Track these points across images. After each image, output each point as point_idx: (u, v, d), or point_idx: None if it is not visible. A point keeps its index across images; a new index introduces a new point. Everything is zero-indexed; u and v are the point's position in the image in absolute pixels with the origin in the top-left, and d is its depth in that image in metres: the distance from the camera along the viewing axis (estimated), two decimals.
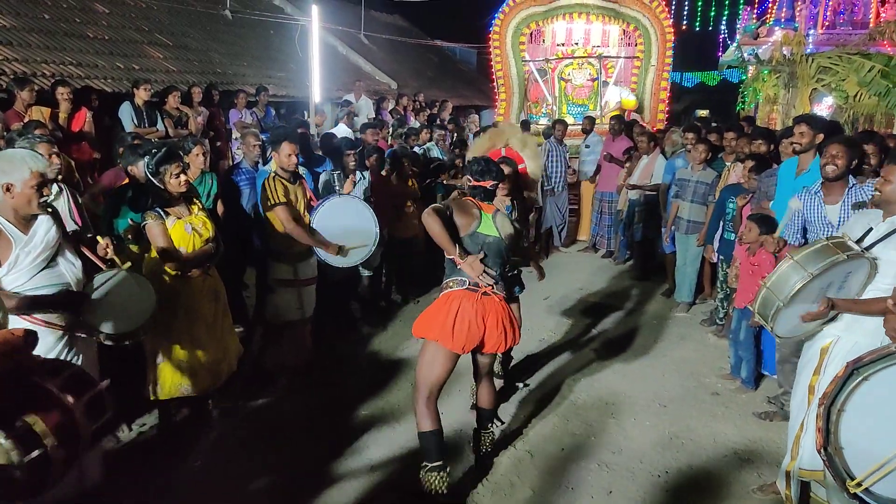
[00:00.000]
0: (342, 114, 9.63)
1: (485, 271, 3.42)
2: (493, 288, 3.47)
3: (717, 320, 6.05)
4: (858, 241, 3.05)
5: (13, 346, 1.93)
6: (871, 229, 3.07)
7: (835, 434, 2.59)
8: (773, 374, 4.87)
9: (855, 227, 3.19)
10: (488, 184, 3.60)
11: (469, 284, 3.44)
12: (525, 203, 4.65)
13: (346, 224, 4.82)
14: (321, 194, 5.39)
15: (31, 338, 2.00)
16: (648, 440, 4.25)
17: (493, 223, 3.53)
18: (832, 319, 3.15)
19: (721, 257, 5.83)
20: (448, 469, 3.48)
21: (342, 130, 8.83)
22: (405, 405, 4.49)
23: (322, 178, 5.75)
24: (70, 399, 1.96)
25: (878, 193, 3.05)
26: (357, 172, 5.78)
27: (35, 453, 1.73)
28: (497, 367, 4.94)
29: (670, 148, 8.11)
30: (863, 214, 3.27)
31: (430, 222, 3.36)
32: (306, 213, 4.75)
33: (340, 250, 4.75)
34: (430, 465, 3.41)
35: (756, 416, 4.54)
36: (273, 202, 4.52)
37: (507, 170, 4.26)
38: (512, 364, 5.11)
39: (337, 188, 5.56)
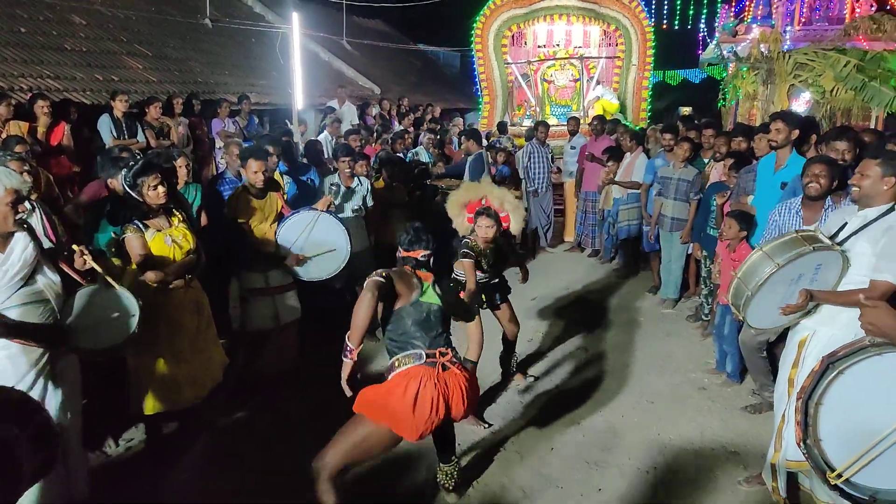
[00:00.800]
0: (330, 121, 9.60)
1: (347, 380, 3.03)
2: (449, 358, 3.16)
3: (703, 316, 6.09)
4: (833, 236, 3.10)
5: None
6: (846, 224, 3.13)
7: (813, 427, 2.63)
8: None
9: (832, 224, 3.25)
10: (418, 254, 3.36)
11: (426, 359, 3.08)
12: (505, 249, 4.73)
13: (315, 239, 4.75)
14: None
15: None
16: (636, 437, 4.28)
17: (434, 291, 3.28)
18: (809, 312, 3.20)
19: (704, 253, 5.89)
20: None
21: (325, 138, 8.83)
22: None
23: (327, 181, 5.71)
24: (14, 431, 1.87)
25: (856, 189, 3.08)
26: (356, 179, 5.75)
27: None
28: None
29: (655, 146, 8.16)
30: (840, 212, 3.33)
31: (360, 306, 2.94)
32: (274, 224, 4.73)
33: (300, 262, 4.72)
34: None
35: (742, 410, 4.58)
36: (230, 216, 4.59)
37: (488, 222, 4.32)
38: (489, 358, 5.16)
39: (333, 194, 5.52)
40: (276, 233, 4.70)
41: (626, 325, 6.36)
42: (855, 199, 3.12)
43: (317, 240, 4.76)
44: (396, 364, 3.13)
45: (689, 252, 6.57)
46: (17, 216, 2.80)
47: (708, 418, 4.52)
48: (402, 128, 11.02)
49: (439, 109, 14.18)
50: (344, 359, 3.03)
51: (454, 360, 3.18)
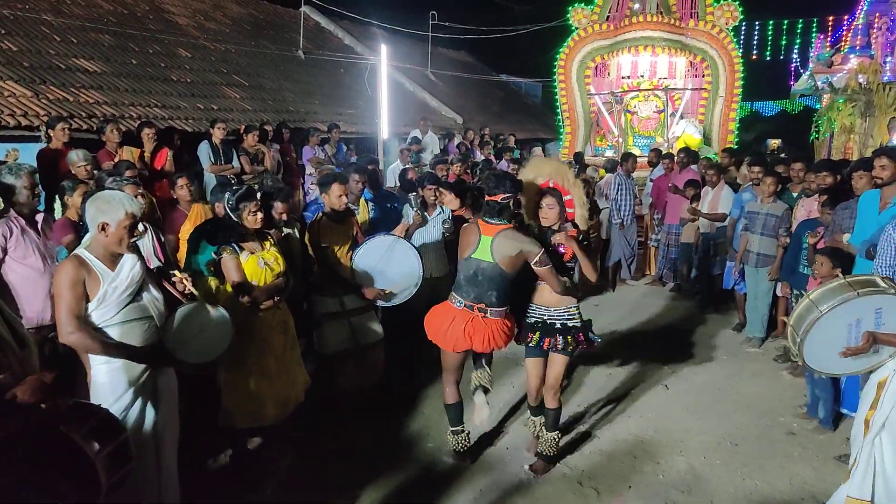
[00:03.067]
0: (412, 153, 9.79)
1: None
2: (484, 315, 3.81)
3: (792, 357, 5.80)
4: None
5: (42, 393, 1.94)
6: None
7: None
8: (853, 412, 4.62)
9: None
10: (499, 197, 3.71)
11: (464, 305, 3.84)
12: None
13: (390, 264, 4.86)
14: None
15: (58, 383, 2.03)
16: (719, 480, 4.12)
17: (490, 248, 3.72)
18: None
19: (796, 292, 5.64)
20: (468, 433, 4.23)
21: (395, 167, 9.04)
22: (483, 440, 4.56)
23: (406, 209, 5.86)
24: (95, 447, 1.96)
25: None
26: (438, 207, 5.84)
27: None
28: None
29: (743, 181, 7.92)
30: None
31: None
32: (350, 251, 4.83)
33: (385, 297, 4.84)
34: (451, 429, 4.20)
35: (836, 460, 4.32)
36: (312, 240, 4.74)
37: (551, 201, 3.96)
38: (570, 392, 5.09)
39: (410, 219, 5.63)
40: (352, 258, 4.82)
41: (708, 362, 6.14)
42: None
43: (393, 267, 4.86)
44: (450, 297, 3.96)
45: (777, 291, 6.32)
46: (132, 239, 3.01)
47: (798, 466, 4.30)
48: (484, 157, 11.13)
49: (513, 138, 14.24)
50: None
51: (492, 315, 3.82)
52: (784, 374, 5.82)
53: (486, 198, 3.74)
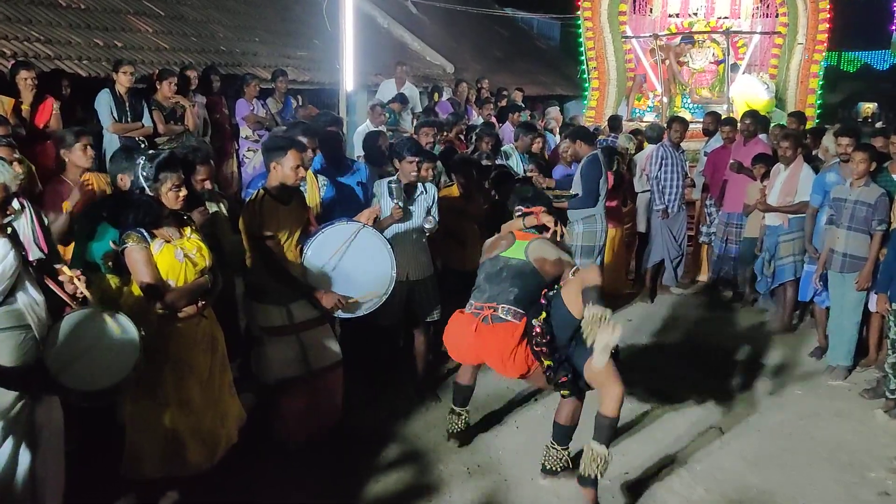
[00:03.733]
0: (389, 111, 9.79)
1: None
2: (494, 311, 4.46)
3: (888, 393, 5.88)
4: None
5: None
6: None
7: None
8: None
9: None
10: (540, 210, 4.82)
11: (473, 308, 4.60)
12: None
13: (352, 261, 4.85)
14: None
15: None
16: None
17: (525, 249, 4.59)
18: None
19: (894, 307, 5.70)
20: (465, 418, 5.14)
21: (363, 130, 9.03)
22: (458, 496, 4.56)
23: (380, 184, 5.80)
24: None
25: None
26: (420, 185, 5.80)
27: None
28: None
29: (825, 157, 7.97)
30: None
31: None
32: (298, 245, 4.80)
33: (345, 307, 4.84)
34: (452, 407, 5.16)
35: None
36: (249, 229, 4.67)
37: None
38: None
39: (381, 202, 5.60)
40: (302, 251, 4.81)
41: (778, 398, 6.21)
42: None
43: (356, 264, 4.86)
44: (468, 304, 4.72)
45: (870, 305, 6.37)
46: (5, 219, 2.97)
47: None
48: (483, 119, 11.12)
49: (521, 94, 14.21)
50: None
51: (503, 317, 4.44)
52: (877, 413, 5.88)
53: (525, 210, 4.85)
